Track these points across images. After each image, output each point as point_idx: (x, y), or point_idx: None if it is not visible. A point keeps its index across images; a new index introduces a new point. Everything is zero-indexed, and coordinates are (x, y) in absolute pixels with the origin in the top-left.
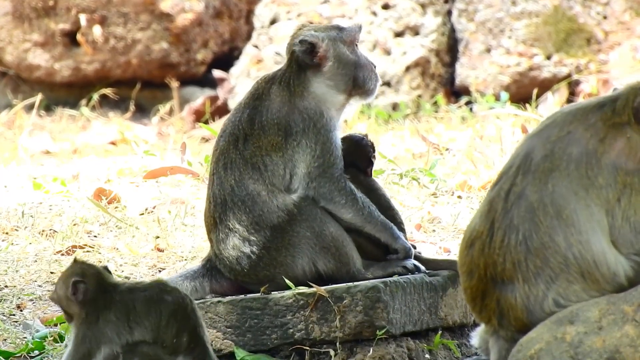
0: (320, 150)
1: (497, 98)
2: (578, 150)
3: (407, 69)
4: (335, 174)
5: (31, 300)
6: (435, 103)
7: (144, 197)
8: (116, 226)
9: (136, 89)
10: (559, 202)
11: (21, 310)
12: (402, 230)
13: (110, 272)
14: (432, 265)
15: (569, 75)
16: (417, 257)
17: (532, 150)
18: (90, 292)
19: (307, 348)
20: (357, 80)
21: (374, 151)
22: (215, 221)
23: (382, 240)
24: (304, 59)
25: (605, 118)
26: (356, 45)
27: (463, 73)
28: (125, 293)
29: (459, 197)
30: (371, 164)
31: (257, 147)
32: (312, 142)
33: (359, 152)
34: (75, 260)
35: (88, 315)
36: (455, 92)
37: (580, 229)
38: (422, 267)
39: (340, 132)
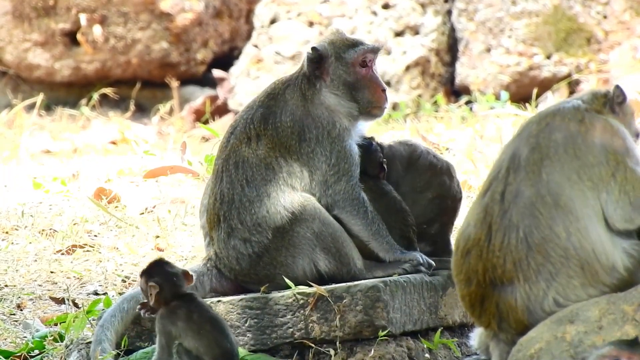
0: (335, 159)
1: (497, 97)
2: (562, 135)
3: (407, 68)
4: (351, 182)
5: (31, 299)
6: (435, 102)
7: (144, 197)
8: (116, 226)
9: (136, 89)
10: (555, 191)
11: (21, 310)
12: (413, 232)
13: None
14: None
15: (569, 75)
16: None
17: (517, 149)
18: None
19: (309, 346)
20: (358, 102)
21: (384, 155)
22: (219, 219)
23: (387, 260)
24: (309, 68)
25: (577, 106)
26: (367, 65)
27: (463, 72)
28: None
29: None
30: (383, 169)
31: (270, 147)
32: (327, 151)
33: (369, 159)
34: None
35: None
36: (455, 92)
37: (578, 216)
38: (423, 269)
39: (356, 140)
